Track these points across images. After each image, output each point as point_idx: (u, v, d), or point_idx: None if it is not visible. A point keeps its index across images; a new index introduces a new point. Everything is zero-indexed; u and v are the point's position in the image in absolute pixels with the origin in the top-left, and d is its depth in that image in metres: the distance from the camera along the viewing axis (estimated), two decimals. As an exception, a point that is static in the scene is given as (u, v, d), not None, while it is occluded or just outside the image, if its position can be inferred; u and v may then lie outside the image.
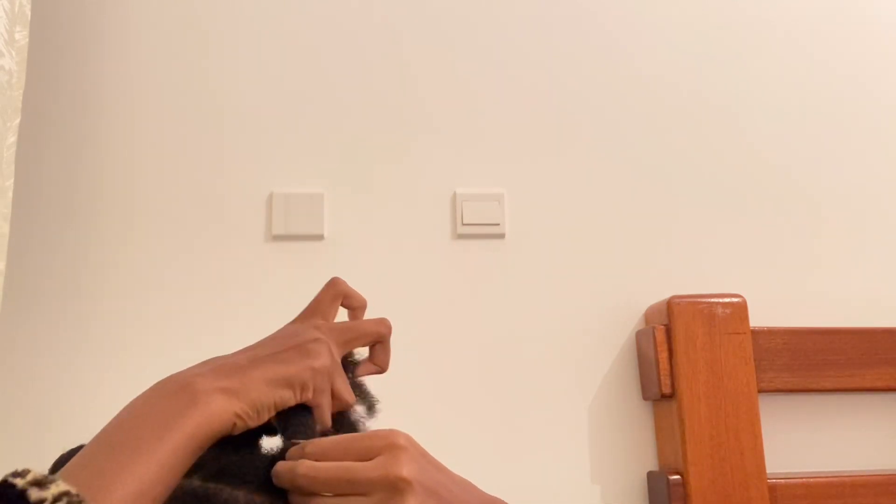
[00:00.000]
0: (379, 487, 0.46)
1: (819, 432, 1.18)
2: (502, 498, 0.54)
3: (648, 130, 1.27)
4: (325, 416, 0.55)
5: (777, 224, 1.26)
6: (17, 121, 1.00)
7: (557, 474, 1.13)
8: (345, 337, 0.60)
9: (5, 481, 0.37)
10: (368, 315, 0.66)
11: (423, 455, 0.49)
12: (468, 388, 1.15)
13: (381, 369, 0.64)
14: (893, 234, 1.28)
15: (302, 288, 0.70)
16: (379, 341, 0.63)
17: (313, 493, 0.47)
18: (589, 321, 1.19)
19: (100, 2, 1.23)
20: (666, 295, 1.14)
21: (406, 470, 0.46)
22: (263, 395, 0.49)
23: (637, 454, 1.15)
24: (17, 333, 1.10)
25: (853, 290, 1.24)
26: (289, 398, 0.51)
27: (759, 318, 1.15)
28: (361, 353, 0.64)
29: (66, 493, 0.37)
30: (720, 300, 1.12)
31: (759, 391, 1.10)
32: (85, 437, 0.45)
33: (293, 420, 0.52)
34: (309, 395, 0.53)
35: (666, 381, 1.09)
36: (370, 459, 0.47)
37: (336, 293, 0.63)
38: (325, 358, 0.54)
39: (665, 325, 1.12)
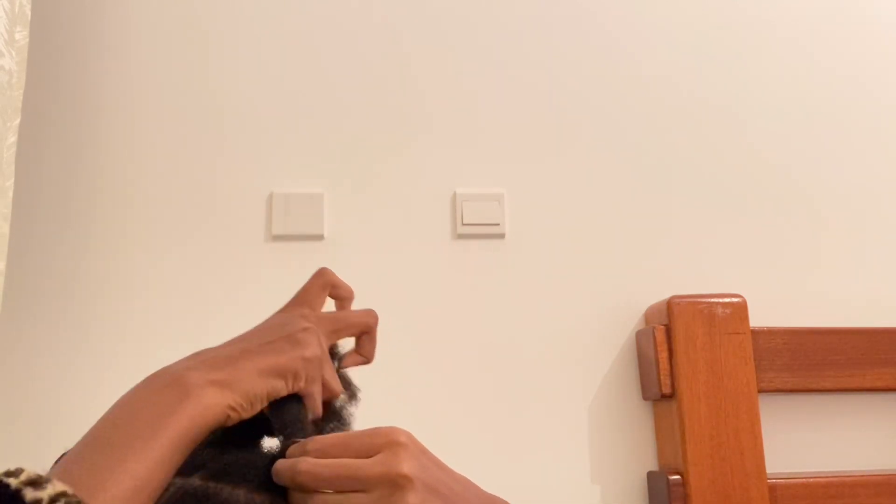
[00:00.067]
0: (380, 484, 0.46)
1: (819, 432, 1.18)
2: (502, 497, 0.54)
3: (648, 130, 1.27)
4: (317, 404, 0.55)
5: (777, 224, 1.26)
6: (17, 121, 1.00)
7: (557, 474, 1.13)
8: (332, 327, 0.60)
9: None
10: (356, 307, 0.66)
11: (424, 453, 0.49)
12: (468, 387, 1.14)
13: (367, 360, 0.64)
14: (893, 234, 1.28)
15: (302, 288, 0.70)
16: (366, 332, 0.64)
17: (314, 491, 0.47)
18: (589, 321, 1.19)
19: (100, 2, 1.23)
20: (666, 295, 1.14)
21: (407, 467, 0.46)
22: (256, 385, 0.50)
23: (637, 454, 1.15)
24: (17, 333, 1.10)
25: (853, 290, 1.24)
26: (281, 388, 0.51)
27: (759, 318, 1.14)
28: (345, 344, 0.65)
29: (64, 494, 0.37)
30: (720, 300, 1.12)
31: (759, 391, 1.10)
32: (85, 437, 0.45)
33: (285, 411, 0.52)
34: (301, 385, 0.53)
35: (666, 381, 1.09)
36: (371, 456, 0.47)
37: (324, 283, 0.63)
38: (316, 347, 0.55)
39: (665, 325, 1.11)
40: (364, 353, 0.64)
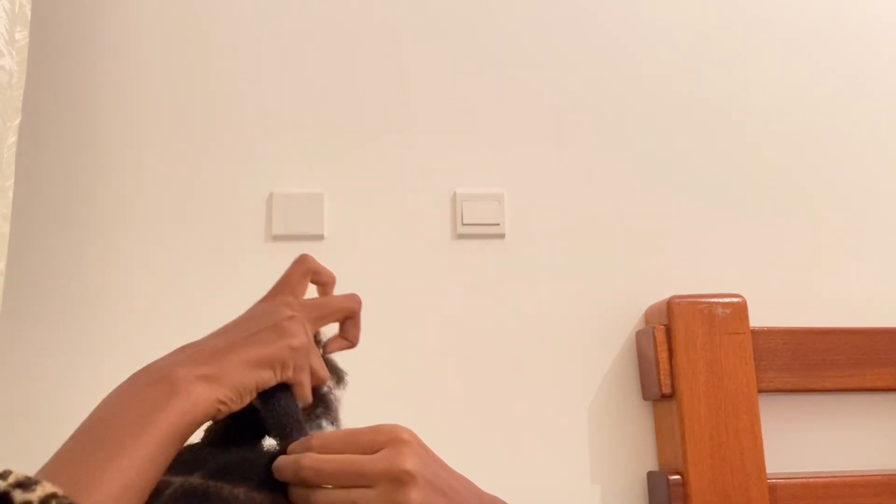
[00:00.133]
0: (383, 480, 0.46)
1: (819, 432, 1.18)
2: (502, 497, 0.54)
3: (648, 130, 1.27)
4: (307, 392, 0.55)
5: (777, 224, 1.26)
6: (17, 121, 1.00)
7: (557, 474, 1.13)
8: (317, 313, 0.60)
9: None
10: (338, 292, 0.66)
11: (426, 450, 0.49)
12: (468, 387, 1.14)
13: (352, 344, 0.64)
14: (893, 234, 1.28)
15: (302, 287, 0.70)
16: (350, 316, 0.64)
17: (317, 486, 0.47)
18: (589, 321, 1.19)
19: (100, 2, 1.23)
20: (666, 295, 1.14)
21: (409, 463, 0.46)
22: (244, 378, 0.49)
23: (637, 454, 1.15)
24: (17, 333, 1.10)
25: (853, 290, 1.24)
26: (269, 378, 0.51)
27: (759, 318, 1.14)
28: (327, 330, 0.64)
29: (55, 496, 0.36)
30: (720, 300, 1.12)
31: (759, 391, 1.10)
32: (85, 437, 0.45)
33: (275, 404, 0.52)
34: (289, 374, 0.53)
35: (666, 381, 1.09)
36: (374, 453, 0.47)
37: (305, 270, 0.63)
38: (302, 336, 0.54)
39: (665, 325, 1.11)
40: (349, 338, 0.64)
